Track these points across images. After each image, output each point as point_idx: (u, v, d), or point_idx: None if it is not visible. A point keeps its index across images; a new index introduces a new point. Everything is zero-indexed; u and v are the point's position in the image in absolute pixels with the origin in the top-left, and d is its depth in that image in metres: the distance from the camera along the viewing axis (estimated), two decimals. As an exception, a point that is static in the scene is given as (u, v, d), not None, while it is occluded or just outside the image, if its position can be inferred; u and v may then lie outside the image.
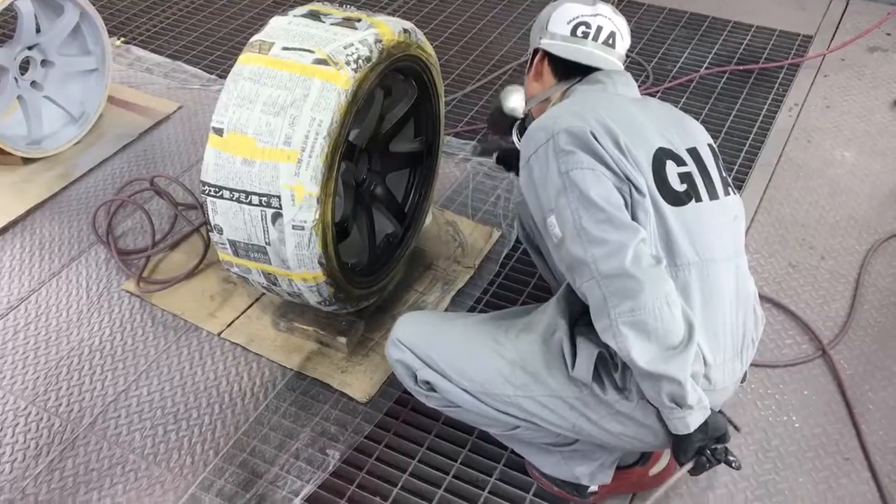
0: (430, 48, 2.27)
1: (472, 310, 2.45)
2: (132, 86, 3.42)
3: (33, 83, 2.97)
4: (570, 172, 1.56)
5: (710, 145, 1.77)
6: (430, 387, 1.80)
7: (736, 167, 2.96)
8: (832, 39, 3.66)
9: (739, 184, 2.89)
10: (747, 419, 2.14)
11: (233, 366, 2.30)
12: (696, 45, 3.66)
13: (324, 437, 2.11)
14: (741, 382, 1.77)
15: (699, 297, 1.59)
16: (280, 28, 2.06)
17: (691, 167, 1.66)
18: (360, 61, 1.97)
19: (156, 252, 2.61)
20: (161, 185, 2.82)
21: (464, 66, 3.56)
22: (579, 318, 1.71)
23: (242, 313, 2.44)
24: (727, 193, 1.72)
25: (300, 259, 2.00)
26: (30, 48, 2.92)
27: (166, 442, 2.11)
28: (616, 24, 1.86)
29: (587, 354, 1.62)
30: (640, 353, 1.48)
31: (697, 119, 3.16)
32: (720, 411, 1.66)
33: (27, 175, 2.95)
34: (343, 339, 2.29)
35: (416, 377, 1.81)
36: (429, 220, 2.66)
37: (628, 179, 1.57)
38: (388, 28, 2.07)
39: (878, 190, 2.87)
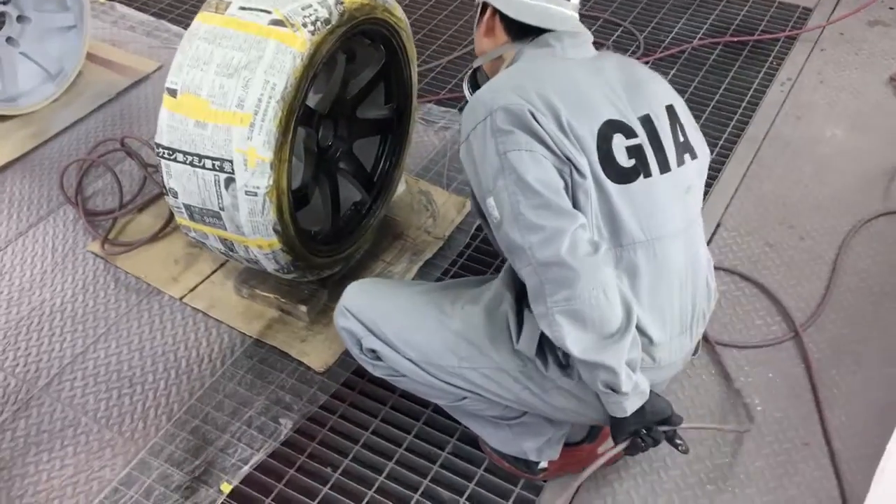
0: (399, 11, 2.20)
1: (439, 280, 2.41)
2: (114, 44, 3.37)
3: (9, 39, 2.94)
4: (507, 154, 1.49)
5: (669, 106, 1.67)
6: (376, 355, 1.79)
7: (721, 141, 2.89)
8: (832, 13, 3.55)
9: (723, 159, 2.82)
10: (708, 400, 2.10)
11: (192, 331, 2.28)
12: (692, 15, 3.56)
13: (278, 405, 2.09)
14: (693, 355, 1.75)
15: (646, 277, 1.56)
16: (239, -13, 2.00)
17: (642, 139, 1.58)
18: (319, 23, 1.91)
19: (123, 214, 2.58)
20: (133, 146, 2.78)
21: (451, 32, 3.48)
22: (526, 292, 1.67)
23: (206, 278, 2.41)
24: (681, 162, 1.64)
25: (254, 225, 1.97)
26: (5, 3, 2.88)
27: (119, 406, 2.10)
28: None
29: (532, 329, 1.59)
30: (574, 341, 1.45)
31: (685, 92, 3.13)
32: (660, 396, 1.63)
33: (1, 133, 2.92)
34: (304, 308, 2.27)
35: (361, 345, 1.79)
36: (402, 188, 2.61)
37: (569, 160, 1.49)
38: (352, -11, 2.01)
39: (865, 169, 2.79)
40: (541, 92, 1.54)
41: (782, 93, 3.13)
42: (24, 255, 2.49)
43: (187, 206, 2.02)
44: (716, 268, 2.40)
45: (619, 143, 1.55)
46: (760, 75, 3.20)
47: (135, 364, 2.19)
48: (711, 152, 2.78)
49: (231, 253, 2.11)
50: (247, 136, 1.87)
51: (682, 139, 1.66)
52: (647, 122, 1.61)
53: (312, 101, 2.15)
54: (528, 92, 1.54)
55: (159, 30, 3.48)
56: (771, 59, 3.29)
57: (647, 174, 1.57)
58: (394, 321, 1.75)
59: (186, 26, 3.44)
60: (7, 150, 2.85)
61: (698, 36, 3.42)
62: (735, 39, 3.39)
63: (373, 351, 1.78)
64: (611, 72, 1.66)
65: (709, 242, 2.51)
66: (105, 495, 1.91)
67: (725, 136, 2.92)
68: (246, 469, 1.95)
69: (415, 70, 2.40)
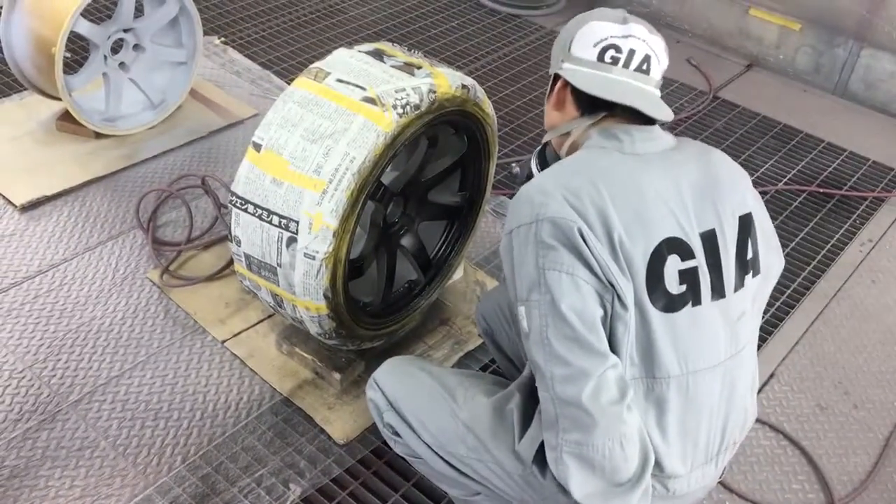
0: (488, 107, 2.25)
1: (476, 376, 2.39)
2: (218, 84, 3.53)
3: (121, 64, 3.10)
4: (546, 271, 1.39)
5: (744, 216, 1.54)
6: (395, 431, 1.79)
7: (789, 291, 2.83)
8: (927, 181, 3.48)
9: (789, 309, 2.75)
10: (729, 559, 2.01)
11: (226, 376, 2.29)
12: (782, 158, 3.53)
13: (291, 469, 2.07)
14: (719, 478, 1.68)
15: (675, 411, 1.49)
16: (341, 60, 2.08)
17: (699, 260, 1.47)
18: (409, 108, 1.96)
19: (188, 248, 2.65)
20: (211, 185, 2.87)
21: (538, 131, 3.53)
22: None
23: (251, 326, 2.44)
24: (739, 286, 1.53)
25: (306, 287, 1.99)
26: (125, 31, 3.04)
27: (140, 437, 2.11)
28: (651, 45, 1.58)
29: (536, 434, 1.54)
30: (578, 485, 1.39)
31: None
32: None
33: (94, 149, 3.06)
34: (338, 376, 2.26)
35: (383, 419, 1.80)
36: (459, 274, 2.62)
37: (612, 287, 1.40)
38: (446, 80, 2.06)
39: (935, 348, 2.68)
40: (597, 201, 1.42)
41: (861, 253, 3.05)
42: (87, 271, 2.57)
43: (247, 256, 2.06)
44: (761, 422, 2.34)
45: (672, 267, 1.45)
46: (841, 231, 3.14)
47: (164, 398, 2.22)
48: (776, 300, 2.76)
49: (279, 308, 2.14)
50: (317, 202, 1.91)
51: (749, 255, 1.55)
52: (710, 238, 1.49)
53: (387, 177, 2.19)
54: (583, 200, 1.42)
55: (263, 79, 3.62)
56: (855, 216, 3.23)
57: (697, 302, 1.47)
58: (414, 401, 1.75)
59: (290, 81, 3.61)
60: (97, 166, 2.98)
61: (784, 180, 3.39)
62: (821, 190, 3.34)
63: (391, 426, 1.79)
64: (685, 172, 1.52)
65: (760, 391, 2.42)
66: (105, 524, 1.92)
67: (794, 286, 2.86)
68: (246, 528, 1.93)
69: (493, 164, 2.43)
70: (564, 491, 1.49)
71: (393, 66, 2.06)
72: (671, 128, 3.61)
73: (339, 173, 1.91)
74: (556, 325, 1.38)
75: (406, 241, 2.38)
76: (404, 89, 1.98)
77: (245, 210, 2.01)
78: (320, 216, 1.92)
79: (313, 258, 1.95)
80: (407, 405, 1.75)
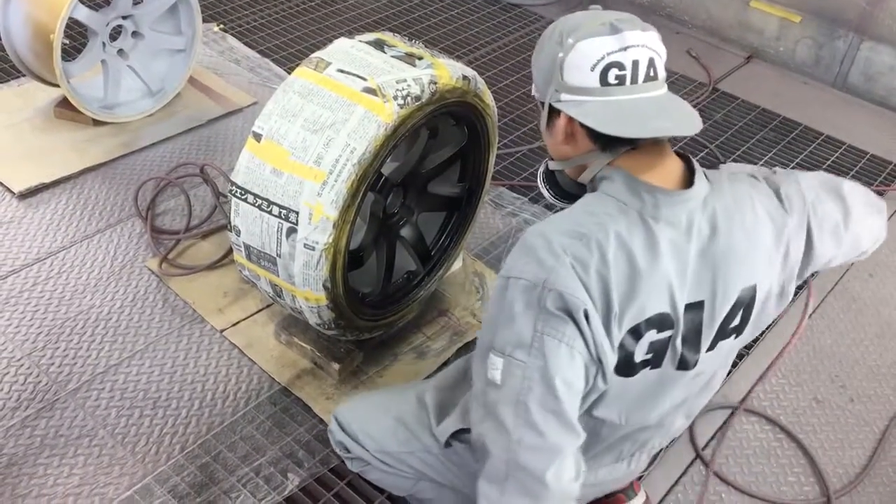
0: (489, 98, 2.24)
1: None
2: (217, 72, 3.51)
3: (120, 51, 3.08)
4: (546, 336, 1.30)
5: (748, 288, 1.44)
6: (345, 447, 1.91)
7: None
8: (925, 175, 3.49)
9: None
10: (724, 551, 2.02)
11: (224, 366, 2.30)
12: (781, 150, 3.53)
13: (290, 459, 2.08)
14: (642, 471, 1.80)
15: (603, 442, 1.55)
16: (341, 50, 2.07)
17: (676, 330, 1.40)
18: (409, 99, 1.95)
19: (187, 237, 2.65)
20: (210, 173, 2.86)
21: (536, 122, 3.52)
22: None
23: (249, 316, 2.44)
24: (712, 348, 1.47)
25: (306, 278, 1.99)
26: (124, 18, 3.03)
27: (138, 426, 2.11)
28: (650, 45, 1.38)
29: (450, 425, 1.68)
30: None
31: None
32: None
33: (93, 136, 3.04)
34: (337, 366, 2.27)
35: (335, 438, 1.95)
36: (458, 265, 2.62)
37: (600, 363, 1.35)
38: (447, 72, 2.06)
39: (932, 342, 2.69)
40: (603, 274, 1.31)
41: (859, 246, 3.05)
42: (85, 258, 2.57)
43: (247, 246, 2.06)
44: (758, 414, 2.35)
45: (646, 339, 1.38)
46: (839, 224, 3.14)
47: (163, 387, 2.22)
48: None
49: (278, 298, 2.14)
50: (317, 192, 1.91)
51: (734, 323, 1.47)
52: (695, 312, 1.41)
53: (387, 168, 2.19)
54: (590, 273, 1.31)
55: (262, 67, 3.61)
56: (853, 210, 3.23)
57: (656, 366, 1.44)
58: (357, 414, 1.91)
59: (289, 69, 3.61)
60: (95, 153, 2.97)
61: (783, 173, 3.38)
62: (820, 183, 3.34)
63: (342, 444, 1.91)
64: (699, 235, 1.38)
65: (756, 385, 2.44)
66: (103, 512, 1.92)
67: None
68: (244, 517, 1.94)
69: (493, 154, 2.43)
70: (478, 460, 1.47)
71: (394, 57, 2.06)
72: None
73: (340, 164, 1.90)
74: (542, 395, 1.31)
75: (405, 232, 2.38)
76: (405, 80, 1.98)
77: (245, 200, 2.01)
78: (320, 207, 1.91)
79: (313, 249, 1.94)
80: (353, 419, 1.89)
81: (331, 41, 2.11)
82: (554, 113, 1.46)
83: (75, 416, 2.12)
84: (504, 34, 4.17)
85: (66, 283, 2.48)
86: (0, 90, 3.24)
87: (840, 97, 3.99)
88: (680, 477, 2.16)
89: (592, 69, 1.36)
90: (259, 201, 1.98)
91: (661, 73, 1.41)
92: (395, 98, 1.94)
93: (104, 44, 3.01)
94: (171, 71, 3.24)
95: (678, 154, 1.46)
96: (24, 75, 3.15)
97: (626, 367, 1.40)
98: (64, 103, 3.04)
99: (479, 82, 2.17)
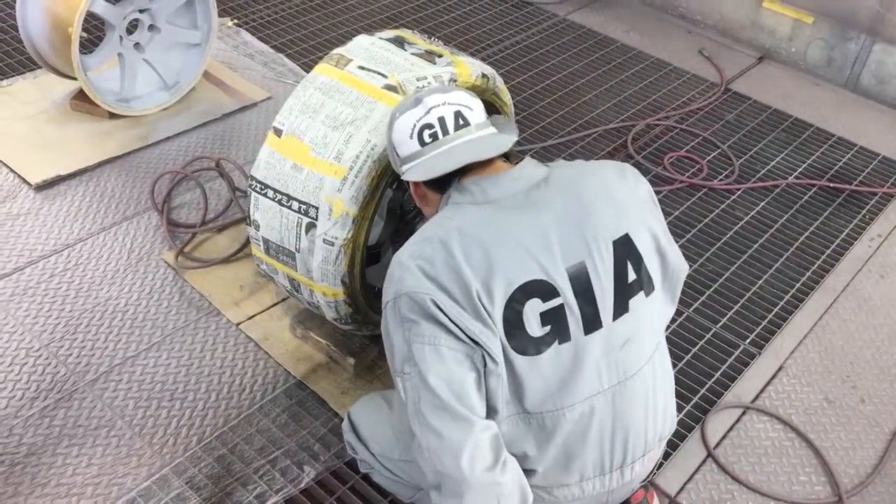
0: (506, 96, 2.26)
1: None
2: (231, 67, 3.52)
3: (136, 45, 3.10)
4: (412, 344, 1.43)
5: (621, 239, 1.52)
6: (353, 448, 1.95)
7: (798, 285, 2.84)
8: (936, 178, 3.49)
9: (798, 302, 2.77)
10: (736, 549, 2.03)
11: (241, 359, 2.31)
12: (793, 151, 3.54)
13: (305, 452, 2.09)
14: (644, 479, 1.74)
15: (557, 437, 1.54)
16: (362, 47, 2.09)
17: (565, 297, 1.46)
18: (429, 96, 1.96)
19: (203, 230, 2.67)
20: (226, 167, 2.88)
21: (550, 120, 3.54)
22: None
23: (265, 310, 2.46)
24: (622, 311, 1.52)
25: (324, 273, 2.01)
26: (141, 11, 3.04)
27: (156, 417, 2.13)
28: (452, 101, 1.61)
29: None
30: None
31: (770, 227, 3.10)
32: None
33: (109, 129, 3.06)
34: (352, 360, 2.28)
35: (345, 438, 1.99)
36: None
37: (478, 345, 1.42)
38: (467, 69, 2.07)
39: (943, 345, 2.70)
40: (450, 263, 1.44)
41: (870, 248, 3.07)
42: (102, 251, 2.59)
43: (265, 240, 2.07)
44: (769, 414, 2.36)
45: (532, 310, 1.45)
46: (850, 226, 3.15)
47: (180, 379, 2.24)
48: (785, 293, 2.78)
49: (296, 293, 2.16)
50: (337, 188, 1.92)
51: (630, 278, 1.53)
52: (579, 271, 1.48)
53: (406, 165, 2.20)
54: (436, 266, 1.44)
55: (276, 62, 3.62)
56: (864, 212, 3.24)
57: (565, 339, 1.48)
58: (364, 418, 1.93)
59: (303, 64, 3.62)
60: (111, 146, 2.99)
61: (795, 174, 3.39)
62: (831, 185, 3.35)
63: (351, 445, 1.95)
64: (548, 207, 1.52)
65: (768, 385, 2.46)
66: (122, 503, 1.94)
67: (804, 279, 2.87)
68: (261, 509, 1.96)
69: (509, 154, 2.43)
70: None
71: (414, 54, 2.07)
72: (681, 119, 3.62)
73: (360, 160, 1.92)
74: (428, 397, 1.42)
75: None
76: (426, 77, 1.99)
77: (265, 195, 2.02)
78: (340, 202, 1.93)
79: (332, 244, 1.96)
80: (362, 422, 1.92)
81: (344, 37, 2.13)
82: (409, 185, 1.70)
83: (94, 406, 2.14)
84: (515, 32, 4.17)
85: (84, 274, 2.50)
86: (16, 82, 3.25)
87: (851, 99, 3.99)
88: (692, 475, 2.18)
89: (411, 137, 1.61)
90: (279, 196, 2.00)
91: (476, 120, 1.62)
92: (416, 95, 1.95)
93: (121, 37, 3.02)
94: (186, 65, 3.26)
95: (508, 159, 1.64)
96: (39, 67, 3.17)
97: (525, 342, 1.45)
98: (80, 96, 3.06)
99: (498, 80, 2.19)
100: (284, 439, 2.12)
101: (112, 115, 3.09)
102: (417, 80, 1.97)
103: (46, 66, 3.04)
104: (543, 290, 1.46)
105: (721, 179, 3.30)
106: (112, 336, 2.33)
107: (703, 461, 2.22)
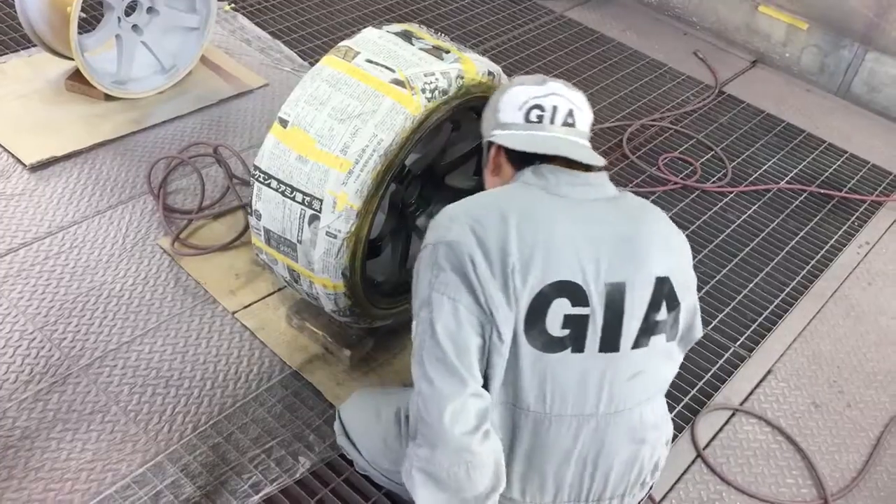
0: (510, 95, 2.26)
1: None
2: (228, 52, 3.50)
3: (134, 26, 3.07)
4: (433, 291, 1.46)
5: (662, 278, 1.53)
6: (348, 453, 1.98)
7: (787, 290, 2.88)
8: (924, 187, 3.54)
9: (787, 307, 2.80)
10: (724, 549, 2.07)
11: (236, 347, 2.31)
12: (784, 156, 3.58)
13: (300, 442, 2.10)
14: None
15: (526, 442, 1.54)
16: (369, 40, 2.08)
17: (593, 308, 1.47)
18: (437, 92, 1.97)
19: (199, 217, 2.65)
20: (223, 154, 2.86)
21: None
22: None
23: (261, 299, 2.46)
24: (640, 345, 1.52)
25: (325, 265, 2.01)
26: (140, -7, 3.02)
27: (151, 403, 2.13)
28: (572, 99, 1.67)
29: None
30: (424, 498, 1.47)
31: (760, 232, 3.13)
32: None
33: (104, 111, 3.03)
34: (348, 352, 2.29)
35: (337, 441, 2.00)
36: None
37: (493, 317, 1.43)
38: (474, 66, 2.07)
39: (927, 352, 2.75)
40: (501, 231, 1.46)
41: (858, 255, 3.11)
42: (97, 234, 2.57)
43: (267, 231, 2.07)
44: (757, 416, 2.39)
45: (558, 308, 1.46)
46: (839, 233, 3.20)
47: (175, 366, 2.23)
48: (776, 297, 2.82)
49: (294, 284, 2.16)
50: (342, 181, 1.92)
51: (663, 317, 1.54)
52: (616, 291, 1.49)
53: (409, 159, 2.20)
54: (487, 229, 1.47)
55: (273, 49, 3.60)
56: (853, 219, 3.29)
57: (578, 349, 1.48)
58: (357, 421, 1.92)
59: (300, 51, 3.60)
60: (106, 129, 2.96)
61: (786, 179, 3.43)
62: (821, 191, 3.39)
63: (344, 448, 1.97)
64: (610, 223, 1.54)
65: (757, 387, 2.49)
66: (116, 489, 1.93)
67: (792, 285, 2.91)
68: (255, 499, 1.96)
69: (510, 151, 2.44)
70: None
71: (422, 49, 2.07)
72: (676, 120, 3.64)
73: (366, 154, 1.92)
74: (430, 345, 1.45)
75: (421, 223, 2.40)
76: (433, 73, 1.99)
77: (268, 185, 2.02)
78: (345, 196, 1.93)
79: (335, 237, 1.96)
80: (352, 427, 1.92)
81: (342, 25, 2.13)
82: (490, 148, 1.72)
83: (88, 391, 2.13)
84: (513, 27, 4.18)
85: (78, 258, 2.48)
86: (10, 60, 3.21)
87: (843, 106, 4.04)
88: (682, 475, 2.21)
89: (519, 109, 1.66)
90: (283, 187, 1.99)
91: (581, 126, 1.66)
92: (423, 91, 1.95)
93: (119, 18, 2.99)
94: (183, 48, 3.23)
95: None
96: (33, 45, 3.13)
97: (540, 336, 1.46)
98: (76, 76, 3.03)
99: (504, 78, 2.19)
100: (280, 429, 2.12)
101: (108, 98, 3.06)
102: (425, 75, 1.97)
103: (42, 46, 3.00)
104: (576, 294, 1.47)
105: (714, 182, 3.33)
106: (107, 321, 2.32)
107: (693, 461, 2.25)
